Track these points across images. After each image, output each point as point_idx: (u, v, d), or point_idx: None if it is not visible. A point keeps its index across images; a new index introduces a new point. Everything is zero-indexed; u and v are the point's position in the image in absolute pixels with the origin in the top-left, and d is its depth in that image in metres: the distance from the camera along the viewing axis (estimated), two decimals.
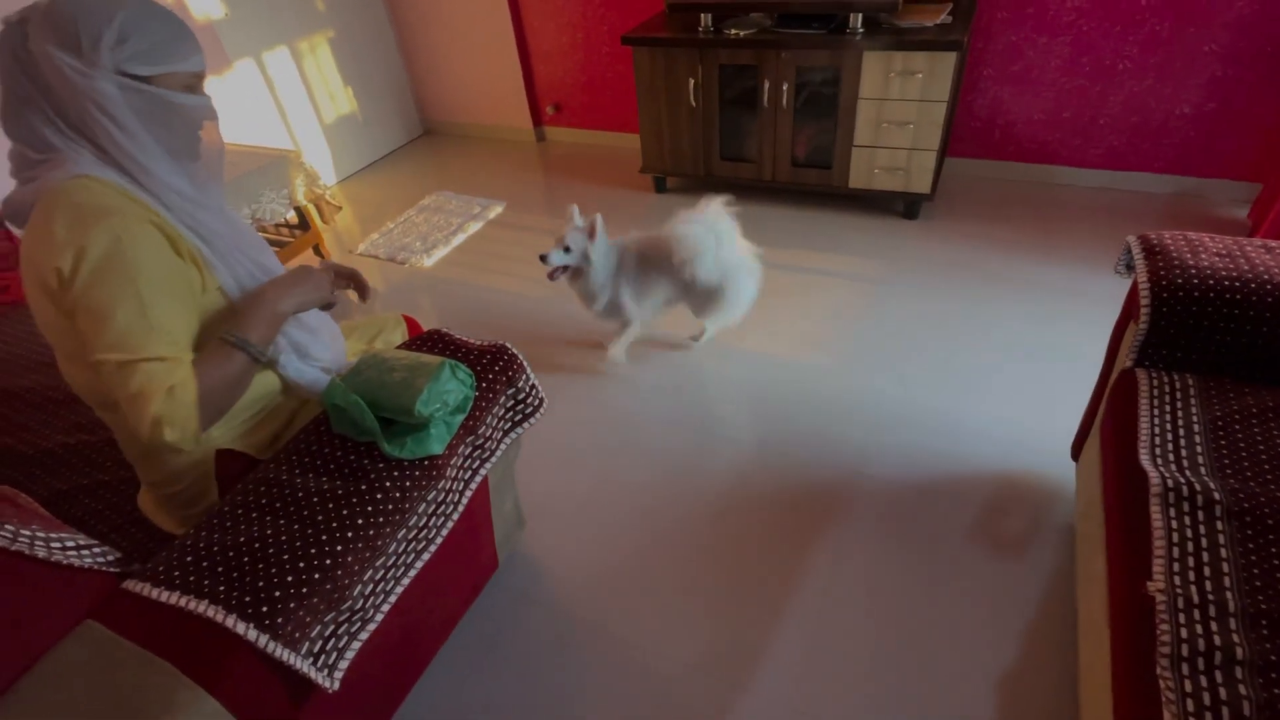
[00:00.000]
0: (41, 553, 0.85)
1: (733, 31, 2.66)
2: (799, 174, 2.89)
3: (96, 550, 0.95)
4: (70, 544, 0.91)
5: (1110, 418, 1.27)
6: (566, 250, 1.93)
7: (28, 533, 0.85)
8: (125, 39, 0.89)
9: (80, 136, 0.95)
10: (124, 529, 1.26)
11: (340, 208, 2.87)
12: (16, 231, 1.03)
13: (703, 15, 2.74)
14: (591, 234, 1.93)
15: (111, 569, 0.95)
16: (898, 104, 2.53)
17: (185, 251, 0.99)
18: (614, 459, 1.90)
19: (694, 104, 2.87)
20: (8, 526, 0.83)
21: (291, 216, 2.88)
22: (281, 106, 3.34)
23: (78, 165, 0.94)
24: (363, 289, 1.29)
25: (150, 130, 0.96)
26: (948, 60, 2.37)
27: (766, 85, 2.70)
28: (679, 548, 1.64)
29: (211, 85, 2.98)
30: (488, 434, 1.22)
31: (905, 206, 2.83)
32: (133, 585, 0.91)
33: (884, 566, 1.55)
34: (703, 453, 1.88)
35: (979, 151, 3.05)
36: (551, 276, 1.98)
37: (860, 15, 2.49)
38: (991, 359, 2.08)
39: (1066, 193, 2.90)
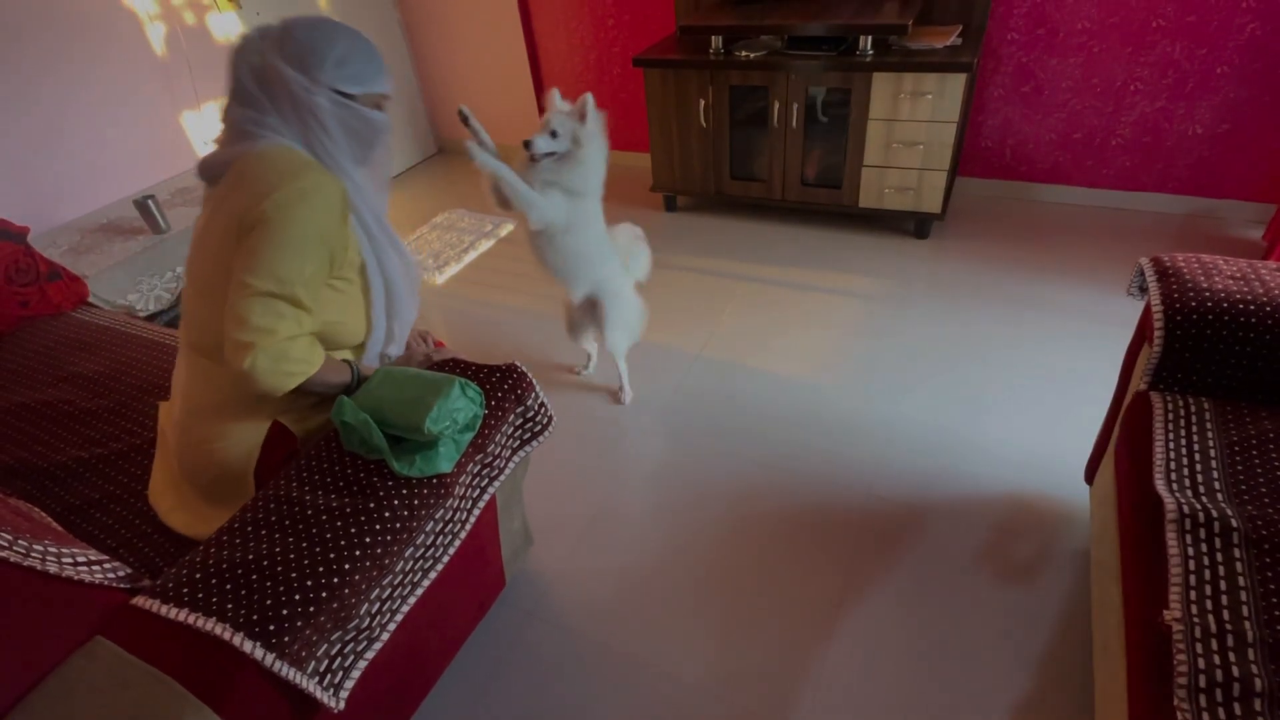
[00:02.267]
0: (53, 568, 0.86)
1: (743, 53, 2.69)
2: (809, 193, 2.90)
3: (107, 566, 0.96)
4: (81, 559, 0.92)
5: (1124, 442, 1.25)
6: (554, 135, 1.70)
7: (40, 548, 0.86)
8: (343, 63, 1.08)
9: (293, 130, 1.10)
10: (134, 543, 1.27)
11: None
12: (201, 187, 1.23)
13: (714, 37, 2.77)
14: (581, 116, 1.71)
15: (121, 584, 0.96)
16: (908, 125, 2.54)
17: (349, 221, 1.12)
18: (622, 477, 1.89)
19: (704, 124, 2.89)
20: (20, 542, 0.84)
21: None
22: None
23: (284, 139, 1.09)
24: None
25: (347, 137, 1.12)
26: (958, 81, 2.38)
27: (776, 106, 2.72)
28: (687, 567, 1.63)
29: None
30: (496, 452, 1.22)
31: (916, 226, 2.83)
32: (142, 601, 0.91)
33: (895, 590, 1.53)
34: (712, 471, 1.88)
35: (990, 171, 3.05)
36: (534, 160, 1.74)
37: (870, 37, 2.51)
38: (1003, 380, 2.07)
39: (1078, 213, 2.89)
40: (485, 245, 3.14)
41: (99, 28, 2.59)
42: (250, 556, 0.96)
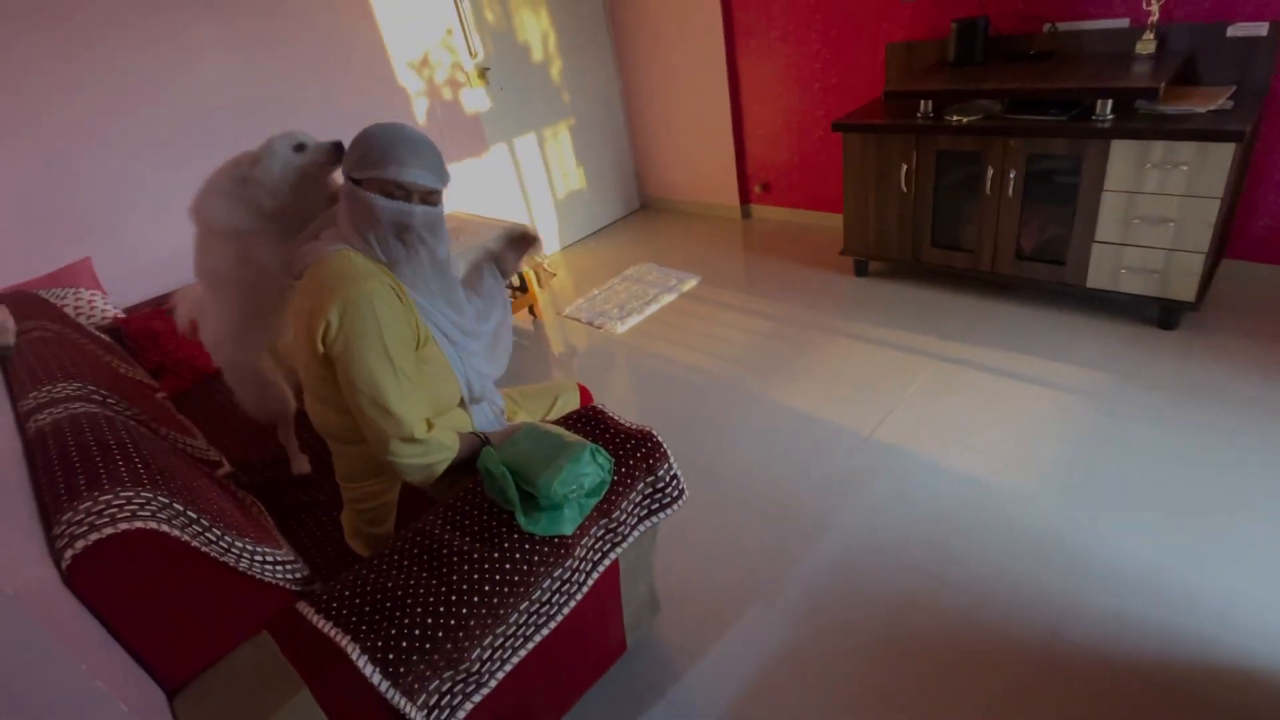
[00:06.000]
0: (244, 565, 1.03)
1: (955, 118, 2.52)
2: (1024, 267, 2.60)
3: (289, 566, 1.13)
4: (269, 559, 1.09)
5: None
6: None
7: (239, 545, 1.04)
8: (356, 152, 1.19)
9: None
10: (322, 546, 1.48)
11: (555, 274, 3.19)
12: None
13: (923, 101, 2.64)
14: None
15: (294, 586, 1.12)
16: (1154, 198, 2.18)
17: (408, 301, 1.24)
18: (768, 556, 1.81)
19: (905, 189, 2.74)
20: (225, 538, 1.02)
21: (514, 280, 3.25)
22: (523, 183, 3.82)
23: (339, 240, 1.23)
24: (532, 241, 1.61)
25: (353, 217, 1.23)
26: (1224, 151, 2.00)
27: (990, 173, 2.49)
28: (825, 671, 1.50)
29: (470, 166, 3.53)
30: (621, 519, 1.24)
31: (1161, 314, 2.39)
32: (301, 607, 1.05)
33: None
34: (868, 569, 1.72)
35: (1270, 256, 2.50)
36: None
37: (1110, 101, 2.22)
38: (1253, 517, 1.65)
39: None
40: (667, 299, 3.24)
41: (379, 107, 3.16)
42: (389, 584, 1.07)
